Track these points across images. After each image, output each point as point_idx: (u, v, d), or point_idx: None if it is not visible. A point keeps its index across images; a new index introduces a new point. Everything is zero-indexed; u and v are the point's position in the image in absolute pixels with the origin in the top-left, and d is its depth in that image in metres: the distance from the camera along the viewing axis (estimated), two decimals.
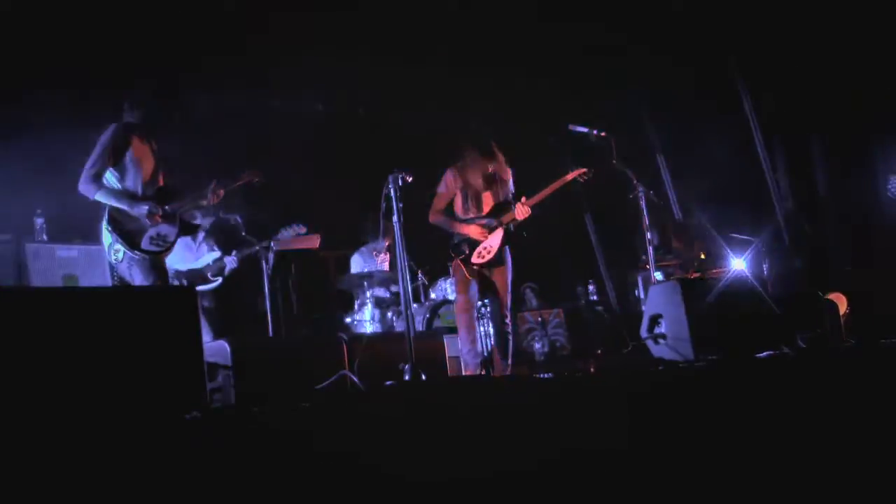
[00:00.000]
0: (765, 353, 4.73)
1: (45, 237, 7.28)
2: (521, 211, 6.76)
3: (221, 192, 5.92)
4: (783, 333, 5.29)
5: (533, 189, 7.09)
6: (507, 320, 6.85)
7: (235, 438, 2.95)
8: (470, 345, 6.77)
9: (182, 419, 2.89)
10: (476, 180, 6.94)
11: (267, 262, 7.62)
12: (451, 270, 7.10)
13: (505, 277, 6.89)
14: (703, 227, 9.62)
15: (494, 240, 6.82)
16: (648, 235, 6.74)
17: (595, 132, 7.13)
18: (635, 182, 6.93)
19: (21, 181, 7.16)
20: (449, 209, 6.96)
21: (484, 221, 6.83)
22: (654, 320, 4.95)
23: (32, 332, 2.83)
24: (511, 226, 6.85)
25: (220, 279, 7.71)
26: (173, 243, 5.72)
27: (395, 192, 4.49)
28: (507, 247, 6.87)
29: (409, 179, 4.55)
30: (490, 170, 6.93)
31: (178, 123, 6.00)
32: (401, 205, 4.49)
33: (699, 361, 4.56)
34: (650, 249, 6.75)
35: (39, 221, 7.30)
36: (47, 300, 2.91)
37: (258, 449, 2.95)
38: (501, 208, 6.92)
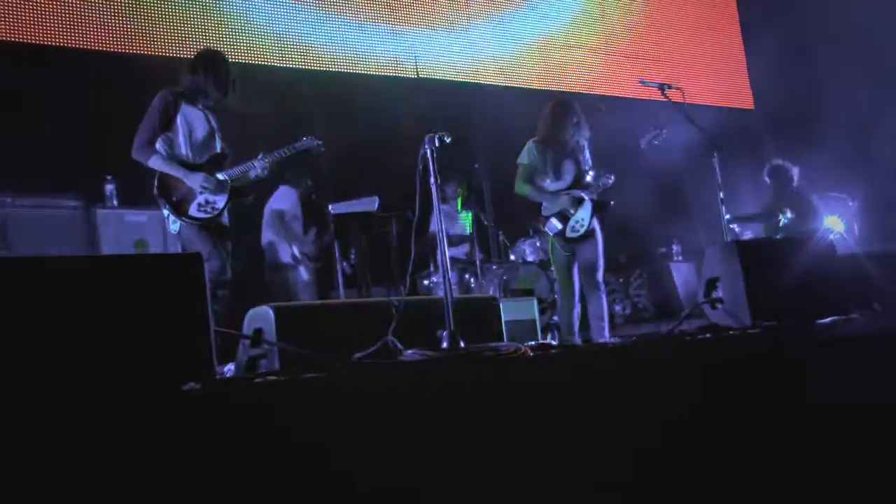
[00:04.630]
0: (828, 319, 4.45)
1: (115, 203, 7.36)
2: (605, 181, 6.71)
3: (267, 161, 5.85)
4: (858, 298, 4.99)
5: (611, 156, 7.01)
6: (603, 289, 6.81)
7: (237, 411, 2.86)
8: (568, 326, 6.73)
9: (178, 390, 2.80)
10: (559, 150, 6.84)
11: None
12: (539, 242, 7.08)
13: (597, 248, 6.82)
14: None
15: (584, 212, 6.75)
16: (721, 194, 6.47)
17: (666, 86, 6.86)
18: (707, 137, 6.65)
19: (91, 146, 7.25)
20: (533, 180, 6.85)
21: (572, 193, 6.74)
22: (712, 284, 4.70)
23: (32, 302, 2.76)
24: (597, 195, 6.77)
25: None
26: (222, 210, 5.70)
27: (432, 153, 4.33)
28: (596, 217, 6.79)
29: (448, 141, 4.38)
30: (573, 139, 6.85)
31: (235, 90, 5.94)
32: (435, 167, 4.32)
33: (754, 328, 4.31)
34: (723, 209, 6.49)
35: (109, 187, 7.37)
36: (47, 269, 2.84)
37: (263, 423, 2.86)
38: (583, 179, 6.84)
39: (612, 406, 3.28)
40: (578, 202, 6.77)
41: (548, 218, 6.84)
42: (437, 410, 3.01)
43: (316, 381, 3.05)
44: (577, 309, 6.84)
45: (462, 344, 4.15)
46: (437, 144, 4.34)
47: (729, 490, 3.57)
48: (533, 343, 5.30)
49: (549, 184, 6.89)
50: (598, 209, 6.86)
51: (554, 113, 6.92)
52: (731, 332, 4.18)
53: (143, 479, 2.62)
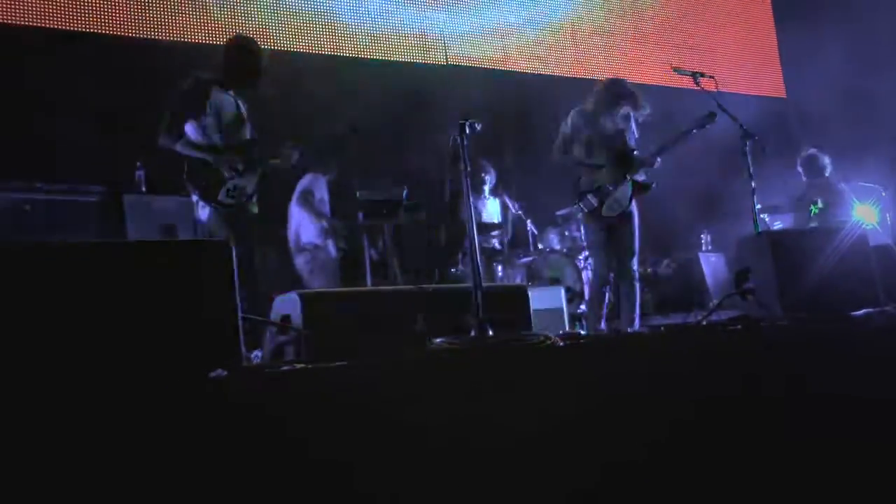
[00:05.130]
0: (861, 312, 4.39)
1: (143, 189, 7.35)
2: (651, 161, 6.56)
3: (296, 153, 5.83)
4: (891, 289, 4.91)
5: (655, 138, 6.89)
6: (637, 276, 6.69)
7: (266, 399, 2.85)
8: (598, 307, 6.62)
9: (206, 378, 2.79)
10: (604, 125, 6.71)
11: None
12: (578, 219, 6.91)
13: (633, 231, 6.69)
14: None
15: (624, 191, 6.60)
16: (753, 184, 6.38)
17: (699, 74, 6.76)
18: (739, 126, 6.55)
19: (121, 133, 7.27)
20: (572, 149, 6.72)
21: (615, 169, 6.58)
22: (743, 275, 4.64)
23: (54, 287, 2.76)
24: (639, 177, 6.64)
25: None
26: (251, 196, 5.70)
27: (463, 141, 4.30)
28: (636, 199, 6.66)
29: (478, 128, 4.35)
30: (619, 114, 6.70)
31: (265, 76, 5.93)
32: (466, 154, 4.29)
33: (785, 320, 4.25)
34: (754, 199, 6.39)
35: (139, 174, 7.36)
36: (70, 254, 2.83)
37: (290, 411, 2.84)
38: (627, 157, 6.69)
39: (644, 396, 3.24)
40: (619, 180, 6.62)
41: (584, 193, 6.66)
42: (464, 400, 2.99)
43: (343, 369, 3.03)
44: (608, 294, 6.73)
45: (490, 332, 4.13)
46: (467, 132, 4.31)
47: (766, 479, 3.53)
48: (562, 332, 5.27)
49: (586, 157, 6.72)
50: (639, 191, 6.71)
51: (607, 88, 6.78)
52: (762, 324, 4.12)
53: (170, 466, 2.61)
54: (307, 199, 7.87)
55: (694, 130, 6.66)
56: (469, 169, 4.30)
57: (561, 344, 3.37)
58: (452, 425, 2.95)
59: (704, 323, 4.84)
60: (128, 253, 3.00)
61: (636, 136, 6.87)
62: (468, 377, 3.00)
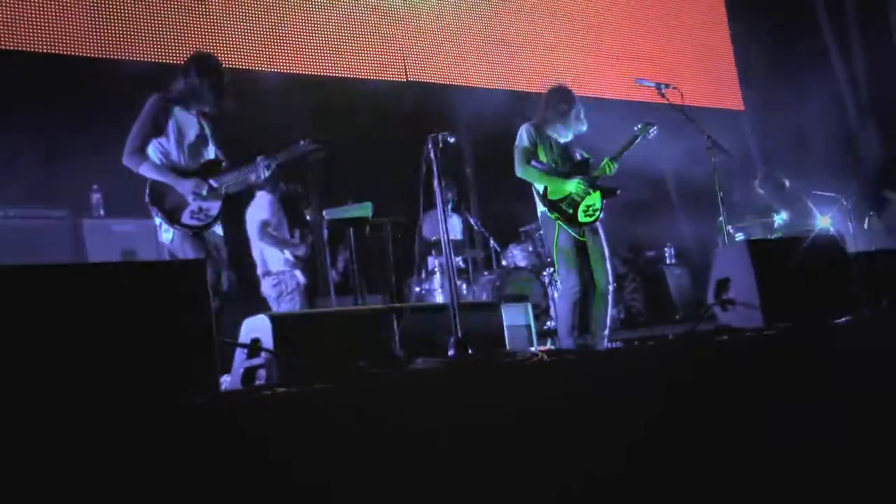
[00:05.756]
0: (843, 319, 4.35)
1: (101, 212, 7.20)
2: (610, 167, 6.47)
3: (269, 166, 5.70)
4: (866, 296, 4.89)
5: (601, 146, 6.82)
6: (611, 288, 6.58)
7: (244, 424, 2.73)
8: (570, 320, 6.49)
9: (180, 403, 2.67)
10: (556, 135, 6.63)
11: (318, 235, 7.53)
12: (544, 234, 6.77)
13: (603, 244, 6.60)
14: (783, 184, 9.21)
15: (595, 198, 6.51)
16: (721, 194, 6.37)
17: (663, 85, 6.75)
18: (707, 138, 6.54)
19: (77, 155, 7.11)
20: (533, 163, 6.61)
21: (583, 177, 6.48)
22: (723, 285, 4.59)
23: (28, 311, 2.63)
24: (604, 183, 6.55)
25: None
26: (216, 217, 5.56)
27: (436, 154, 4.21)
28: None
29: (451, 140, 4.26)
30: (566, 123, 6.62)
31: (228, 95, 5.80)
32: (439, 169, 4.20)
33: (769, 329, 4.20)
34: (723, 209, 6.38)
35: (96, 196, 7.21)
36: (41, 277, 2.70)
37: (270, 437, 2.73)
38: (586, 165, 6.62)
39: (635, 410, 3.16)
40: (587, 187, 6.49)
41: (556, 203, 6.51)
42: (453, 418, 2.89)
43: (325, 392, 2.92)
44: (578, 305, 6.59)
45: (470, 351, 4.04)
46: (440, 145, 4.22)
47: (748, 489, 3.47)
48: (545, 348, 5.19)
49: (551, 167, 6.59)
50: (607, 195, 6.59)
51: (554, 99, 6.70)
52: (748, 334, 4.07)
53: (145, 496, 2.49)
54: (266, 231, 7.69)
55: (639, 139, 6.58)
56: (442, 182, 4.21)
57: (548, 360, 3.28)
58: (440, 444, 2.86)
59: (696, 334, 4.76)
60: (99, 275, 2.87)
61: (577, 146, 6.79)
62: (459, 395, 2.90)
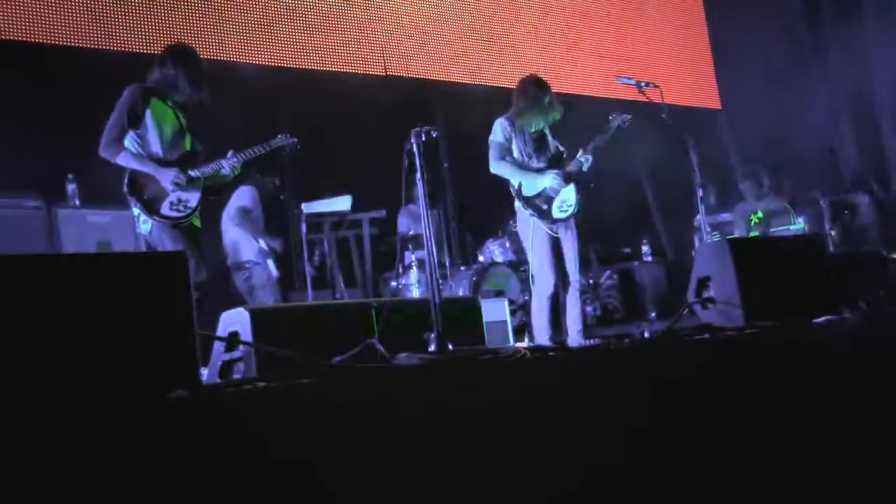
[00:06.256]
0: (822, 319, 4.37)
1: (76, 202, 7.11)
2: (585, 160, 6.43)
3: (238, 160, 5.65)
4: (844, 296, 4.91)
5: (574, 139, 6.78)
6: (578, 284, 6.57)
7: (228, 419, 2.70)
8: (545, 316, 6.48)
9: (165, 398, 2.63)
10: (530, 129, 6.59)
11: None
12: (518, 229, 6.74)
13: (575, 240, 6.58)
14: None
15: (569, 192, 6.48)
16: (700, 193, 6.37)
17: (643, 83, 6.74)
18: (685, 137, 6.55)
19: (51, 144, 7.03)
20: (507, 158, 6.57)
21: (557, 171, 6.45)
22: (703, 283, 4.60)
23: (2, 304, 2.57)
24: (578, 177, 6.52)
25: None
26: (195, 209, 5.52)
27: (419, 148, 4.19)
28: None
29: (435, 135, 4.24)
30: (546, 116, 6.59)
31: (204, 86, 5.74)
32: (422, 162, 4.18)
33: (750, 328, 4.21)
34: (702, 207, 6.39)
35: (71, 187, 7.12)
36: (14, 268, 2.65)
37: (255, 430, 2.69)
38: (561, 158, 6.59)
39: (617, 407, 3.15)
40: (562, 181, 6.44)
41: (531, 198, 6.46)
42: (435, 415, 2.87)
43: (308, 387, 2.89)
44: (550, 302, 6.59)
45: (450, 346, 4.02)
46: (423, 139, 4.20)
47: (729, 491, 3.47)
48: (527, 344, 5.17)
49: (524, 162, 6.56)
50: (580, 190, 6.55)
51: (526, 89, 6.62)
52: (729, 333, 4.07)
53: (123, 492, 2.45)
54: (245, 217, 7.65)
55: (613, 129, 6.55)
56: (425, 176, 4.19)
57: (530, 356, 3.26)
58: (422, 441, 2.83)
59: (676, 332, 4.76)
60: (79, 266, 2.82)
61: (556, 139, 6.76)
62: (443, 392, 2.88)
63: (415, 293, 8.52)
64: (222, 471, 2.54)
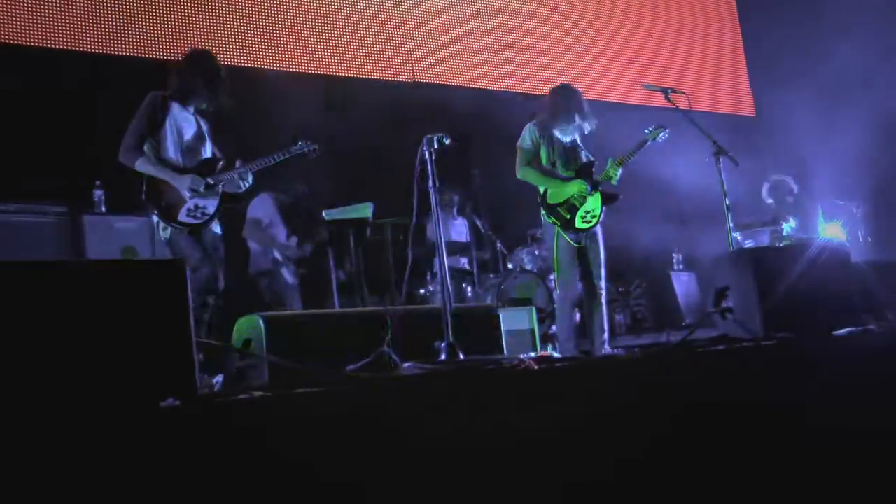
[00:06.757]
0: (844, 331, 4.26)
1: (103, 209, 7.14)
2: (615, 170, 6.37)
3: (247, 169, 5.63)
4: (872, 309, 4.81)
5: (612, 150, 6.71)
6: (604, 294, 6.49)
7: (220, 430, 2.67)
8: (568, 324, 6.42)
9: (156, 407, 2.60)
10: (561, 137, 6.53)
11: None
12: (544, 237, 6.65)
13: (600, 249, 6.50)
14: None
15: (595, 202, 6.41)
16: (727, 201, 6.27)
17: (670, 90, 6.66)
18: (712, 142, 6.45)
19: (80, 151, 7.07)
20: (535, 164, 6.50)
21: (582, 181, 6.39)
22: (722, 293, 4.50)
23: None
24: (605, 187, 6.45)
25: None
26: (213, 215, 5.52)
27: (431, 155, 4.14)
28: (603, 210, 6.47)
29: (448, 142, 4.19)
30: (572, 125, 6.52)
31: (226, 91, 5.73)
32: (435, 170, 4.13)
33: (767, 339, 4.11)
34: (728, 216, 6.29)
35: (98, 193, 7.15)
36: (14, 274, 2.64)
37: (247, 442, 2.66)
38: (590, 168, 6.52)
39: (621, 420, 3.08)
40: (588, 191, 6.37)
41: (555, 206, 6.40)
42: (436, 426, 2.82)
43: (305, 397, 2.85)
44: (577, 313, 6.53)
45: (461, 356, 3.97)
46: (435, 146, 4.15)
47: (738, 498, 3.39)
48: (534, 355, 5.10)
49: (550, 169, 6.49)
50: (607, 201, 6.50)
51: (558, 98, 6.58)
52: (745, 344, 3.98)
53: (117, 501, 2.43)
54: (256, 227, 7.68)
55: (648, 143, 6.48)
56: (437, 185, 4.14)
57: (535, 367, 3.20)
58: (421, 452, 2.78)
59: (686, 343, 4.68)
60: (73, 273, 2.81)
61: (586, 147, 6.69)
62: (439, 402, 2.83)
63: None
64: (211, 480, 2.51)
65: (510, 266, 9.16)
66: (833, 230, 8.95)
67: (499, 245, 9.23)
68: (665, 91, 6.68)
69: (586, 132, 6.62)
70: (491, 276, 8.98)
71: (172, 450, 2.54)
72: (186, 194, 5.39)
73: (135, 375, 2.71)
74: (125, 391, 2.68)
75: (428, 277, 8.73)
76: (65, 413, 2.54)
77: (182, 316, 2.86)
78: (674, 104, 6.66)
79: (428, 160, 4.16)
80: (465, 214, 9.28)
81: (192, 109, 5.65)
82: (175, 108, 5.55)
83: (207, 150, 5.68)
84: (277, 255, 7.63)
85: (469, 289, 8.86)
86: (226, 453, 2.59)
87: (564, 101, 6.52)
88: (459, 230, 9.15)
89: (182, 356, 2.83)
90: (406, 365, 3.42)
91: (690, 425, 3.24)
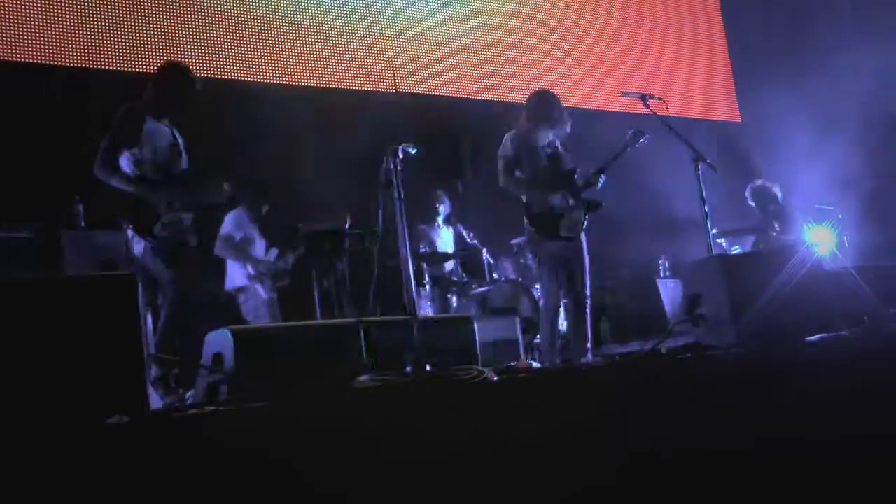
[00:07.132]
0: (816, 337, 4.23)
1: (82, 223, 7.10)
2: (596, 178, 6.34)
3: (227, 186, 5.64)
4: (847, 314, 4.77)
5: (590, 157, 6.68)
6: (588, 303, 6.44)
7: (170, 448, 2.62)
8: (551, 333, 6.39)
9: (101, 424, 2.56)
10: (541, 145, 6.50)
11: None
12: (527, 246, 6.62)
13: (584, 257, 6.46)
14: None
15: (578, 211, 6.37)
16: (706, 208, 6.23)
17: (648, 96, 6.62)
18: (691, 149, 6.42)
19: (56, 166, 7.04)
20: (516, 173, 6.47)
21: (566, 189, 6.35)
22: (695, 300, 4.47)
23: None
24: (588, 195, 6.42)
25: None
26: (189, 229, 5.47)
27: (396, 166, 4.10)
28: (586, 218, 6.43)
29: (413, 152, 4.15)
30: (552, 132, 6.49)
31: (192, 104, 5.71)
32: (400, 181, 4.09)
33: (739, 347, 4.07)
34: (708, 223, 6.25)
35: (77, 208, 7.11)
36: None
37: (198, 458, 2.62)
38: (571, 176, 6.48)
39: (583, 432, 3.03)
40: (571, 199, 6.37)
41: (538, 215, 6.38)
42: (389, 439, 2.77)
43: (259, 411, 2.81)
44: (560, 322, 6.49)
45: (429, 367, 3.93)
46: (400, 156, 4.12)
47: None
48: (513, 364, 5.06)
49: (533, 177, 6.45)
50: (591, 209, 6.47)
51: (534, 102, 6.55)
52: (713, 352, 3.94)
53: None
54: (225, 245, 7.64)
55: (628, 148, 6.45)
56: (402, 194, 4.10)
57: (494, 378, 3.15)
58: (371, 466, 2.74)
59: (662, 351, 4.64)
60: (19, 290, 2.76)
61: (568, 155, 6.66)
62: (390, 414, 2.78)
63: (429, 311, 8.45)
64: (158, 497, 2.46)
65: (496, 276, 9.12)
66: (822, 234, 8.89)
67: (485, 254, 9.19)
68: (644, 97, 6.64)
69: (566, 131, 6.58)
70: (475, 285, 8.94)
71: (118, 466, 2.49)
72: (161, 208, 5.34)
73: (81, 392, 2.67)
74: (70, 408, 2.64)
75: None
76: (8, 429, 2.50)
77: (132, 331, 2.82)
78: (652, 111, 6.62)
79: (393, 170, 4.12)
80: (451, 224, 9.23)
81: (166, 121, 5.62)
82: (150, 120, 5.51)
83: (184, 162, 5.64)
84: (251, 269, 7.61)
85: (454, 298, 8.83)
86: (175, 469, 2.55)
87: (542, 106, 6.49)
88: (445, 240, 9.11)
89: (132, 372, 2.79)
90: (362, 377, 3.38)
91: (655, 434, 3.20)
